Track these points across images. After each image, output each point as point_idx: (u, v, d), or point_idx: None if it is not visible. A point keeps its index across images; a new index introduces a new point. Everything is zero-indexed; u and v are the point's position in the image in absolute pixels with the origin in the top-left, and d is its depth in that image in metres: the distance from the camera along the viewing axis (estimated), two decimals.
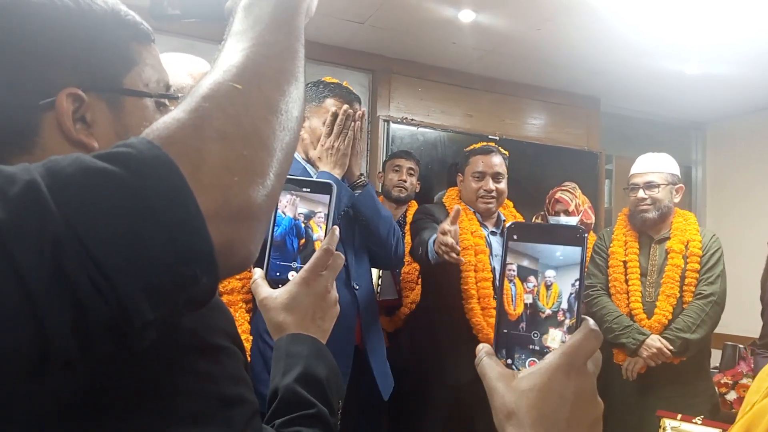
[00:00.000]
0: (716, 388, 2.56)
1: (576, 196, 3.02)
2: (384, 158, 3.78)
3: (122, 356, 0.41)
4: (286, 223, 0.81)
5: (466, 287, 2.31)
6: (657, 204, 2.54)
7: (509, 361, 0.56)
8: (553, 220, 2.99)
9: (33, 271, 0.36)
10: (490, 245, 2.39)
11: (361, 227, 1.89)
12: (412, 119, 4.20)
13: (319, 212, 0.82)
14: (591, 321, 0.53)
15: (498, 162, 2.41)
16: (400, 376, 2.23)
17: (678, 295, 2.48)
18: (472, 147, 2.52)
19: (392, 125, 4.11)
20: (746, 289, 2.55)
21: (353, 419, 1.72)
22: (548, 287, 0.56)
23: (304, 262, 0.80)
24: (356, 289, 1.89)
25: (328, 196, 0.82)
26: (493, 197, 2.38)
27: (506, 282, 0.57)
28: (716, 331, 2.58)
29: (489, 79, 4.45)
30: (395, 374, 2.18)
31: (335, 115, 1.78)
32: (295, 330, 0.76)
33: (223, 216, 0.44)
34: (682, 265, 2.50)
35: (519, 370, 0.55)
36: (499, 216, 2.46)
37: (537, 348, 0.56)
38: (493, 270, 2.33)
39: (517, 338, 0.56)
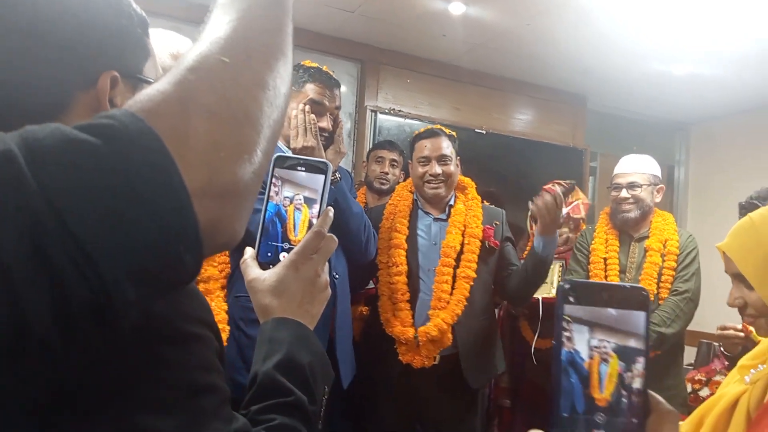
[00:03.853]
0: (690, 384, 2.60)
1: (565, 187, 3.03)
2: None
3: (100, 339, 0.39)
4: (271, 209, 0.79)
5: (378, 285, 2.29)
6: (639, 203, 2.61)
7: None
8: None
9: (10, 249, 0.34)
10: (429, 234, 2.32)
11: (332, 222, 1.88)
12: (400, 110, 4.19)
13: (299, 195, 0.80)
14: (663, 400, 0.51)
15: (444, 145, 2.30)
16: (359, 362, 2.21)
17: (655, 291, 2.55)
18: (416, 133, 2.42)
19: (379, 116, 4.10)
20: (724, 287, 2.59)
21: None
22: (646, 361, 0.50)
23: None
24: (336, 278, 1.89)
25: (323, 176, 0.80)
26: (440, 181, 2.28)
27: (595, 362, 0.50)
28: (693, 328, 2.63)
29: (477, 73, 4.45)
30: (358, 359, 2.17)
31: (296, 117, 1.77)
32: (281, 314, 0.74)
33: (208, 194, 0.42)
34: (660, 263, 2.57)
35: None
36: (447, 201, 2.36)
37: None
38: (410, 258, 2.24)
39: (607, 425, 0.50)
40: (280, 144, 1.90)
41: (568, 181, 2.30)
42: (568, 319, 0.50)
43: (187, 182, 0.41)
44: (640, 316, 0.50)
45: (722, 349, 2.22)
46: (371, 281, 2.67)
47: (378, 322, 2.25)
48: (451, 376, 2.21)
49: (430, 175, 2.28)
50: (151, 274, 0.40)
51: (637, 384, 0.50)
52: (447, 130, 2.38)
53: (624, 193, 2.62)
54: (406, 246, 2.26)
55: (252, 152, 0.46)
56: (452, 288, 2.21)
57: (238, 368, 1.57)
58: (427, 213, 2.35)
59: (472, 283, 2.22)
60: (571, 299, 0.50)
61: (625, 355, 0.50)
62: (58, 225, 0.35)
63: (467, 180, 2.44)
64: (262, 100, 0.48)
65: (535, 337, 2.68)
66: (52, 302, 0.35)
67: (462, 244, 2.25)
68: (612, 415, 0.50)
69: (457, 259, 2.23)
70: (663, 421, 0.50)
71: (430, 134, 2.34)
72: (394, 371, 2.22)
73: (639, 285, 0.55)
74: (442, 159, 2.28)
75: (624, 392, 0.50)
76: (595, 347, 0.50)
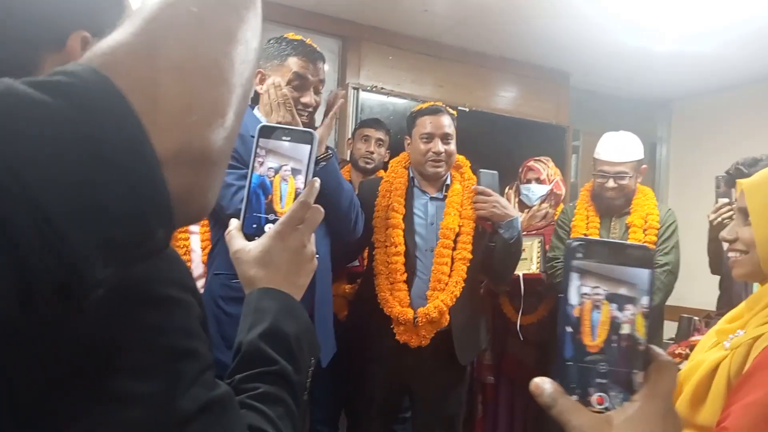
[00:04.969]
0: (671, 358, 2.67)
1: (548, 167, 3.05)
2: (353, 126, 3.75)
3: (65, 314, 0.37)
4: (255, 180, 0.78)
5: (374, 263, 2.28)
6: (624, 190, 2.63)
7: (585, 398, 0.51)
8: (524, 188, 3.02)
9: None
10: (426, 213, 2.31)
11: (322, 200, 1.86)
12: (382, 88, 4.16)
13: (286, 166, 0.79)
14: (662, 352, 0.52)
15: (447, 123, 2.28)
16: (348, 338, 2.24)
17: None
18: (418, 107, 2.37)
19: (362, 93, 4.06)
20: (704, 263, 2.64)
21: None
22: (645, 316, 0.51)
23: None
24: (317, 257, 1.87)
25: (308, 147, 0.79)
26: (442, 160, 2.25)
27: (586, 308, 0.51)
28: (673, 303, 2.67)
29: (460, 50, 4.42)
30: (346, 336, 2.20)
31: (267, 93, 1.71)
32: (267, 285, 0.73)
33: (180, 161, 0.39)
34: (642, 239, 2.58)
35: (605, 411, 0.50)
36: (444, 180, 2.35)
37: (636, 387, 0.51)
38: (407, 238, 2.24)
39: (606, 374, 0.51)
40: (260, 115, 1.87)
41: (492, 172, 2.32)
42: (574, 272, 0.52)
43: (157, 149, 0.37)
44: (643, 272, 0.52)
45: None
46: (356, 259, 2.67)
47: (371, 299, 2.26)
48: (442, 353, 2.23)
49: (433, 152, 2.25)
50: (119, 248, 0.36)
51: (627, 330, 0.51)
52: (448, 109, 2.36)
53: (611, 183, 2.62)
54: (403, 226, 2.26)
55: (225, 114, 0.42)
56: (450, 269, 2.22)
57: (217, 345, 1.56)
58: (423, 192, 2.34)
59: (468, 265, 2.23)
60: (579, 255, 0.52)
61: (620, 303, 0.52)
62: (22, 195, 0.32)
63: (462, 158, 2.42)
64: (234, 56, 0.44)
65: (519, 314, 2.69)
66: (16, 279, 0.32)
67: (459, 226, 2.26)
68: (611, 364, 0.51)
69: (454, 240, 2.25)
70: (661, 371, 0.51)
71: (433, 111, 2.30)
72: (385, 347, 2.23)
73: (644, 244, 0.57)
74: (445, 137, 2.26)
75: (619, 340, 0.51)
76: (586, 294, 0.51)
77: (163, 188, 0.38)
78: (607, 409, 0.51)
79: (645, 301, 0.52)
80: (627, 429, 0.48)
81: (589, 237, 0.66)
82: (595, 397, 0.51)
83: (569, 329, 0.51)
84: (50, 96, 0.35)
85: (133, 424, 0.46)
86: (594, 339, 0.51)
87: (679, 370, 2.67)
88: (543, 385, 0.51)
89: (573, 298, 0.51)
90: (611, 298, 0.51)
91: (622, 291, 0.51)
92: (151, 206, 0.37)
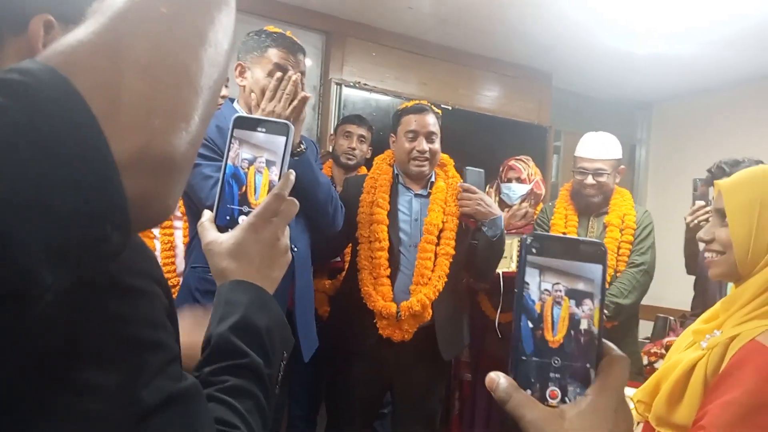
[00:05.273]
0: (646, 356, 2.70)
1: (529, 166, 3.08)
2: (335, 122, 3.73)
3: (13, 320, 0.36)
4: (228, 170, 0.77)
5: (358, 258, 2.29)
6: (603, 188, 2.69)
7: (542, 392, 0.51)
8: (505, 187, 3.04)
9: None
10: (410, 210, 2.33)
11: (298, 194, 1.85)
12: (366, 84, 4.14)
13: (261, 157, 0.77)
14: (614, 347, 0.52)
15: (432, 121, 2.30)
16: (330, 334, 2.28)
17: (614, 265, 2.63)
18: (404, 106, 2.39)
19: (345, 89, 4.04)
20: (681, 264, 2.68)
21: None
22: (600, 311, 0.52)
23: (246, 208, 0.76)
24: (294, 251, 1.86)
25: (284, 138, 0.78)
26: (426, 158, 2.28)
27: (548, 304, 0.51)
28: (650, 303, 2.71)
29: (445, 48, 4.42)
30: (328, 331, 2.23)
31: (279, 80, 1.70)
32: (239, 277, 0.72)
33: (140, 166, 0.38)
34: (619, 238, 2.65)
35: (557, 405, 0.51)
36: (428, 177, 2.37)
37: (592, 382, 0.51)
38: (391, 234, 2.26)
39: (561, 369, 0.51)
40: (239, 108, 1.86)
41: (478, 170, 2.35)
42: (530, 268, 0.52)
43: (115, 153, 0.36)
44: (597, 268, 0.52)
45: None
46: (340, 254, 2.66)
47: (354, 294, 2.27)
48: (425, 348, 2.25)
49: (417, 151, 2.27)
50: (71, 255, 0.35)
51: (585, 325, 0.52)
52: (433, 107, 2.38)
53: (590, 180, 2.68)
54: (387, 221, 2.27)
55: (189, 119, 0.41)
56: (433, 264, 2.24)
57: None
58: (407, 188, 2.36)
59: (451, 260, 2.26)
60: (534, 250, 0.52)
61: (578, 299, 0.52)
62: None
63: (446, 157, 2.44)
64: (203, 58, 0.42)
65: (498, 311, 2.71)
66: None
67: (442, 222, 2.29)
68: (566, 359, 0.51)
69: (437, 236, 2.27)
70: (614, 364, 0.51)
71: (418, 109, 2.32)
72: (368, 342, 2.24)
73: (598, 240, 0.57)
74: (430, 136, 2.28)
75: (577, 336, 0.52)
76: (547, 290, 0.52)
77: (119, 192, 0.36)
78: (563, 402, 0.51)
79: (600, 296, 0.52)
80: (579, 422, 0.49)
81: (543, 233, 0.67)
82: (549, 392, 0.51)
83: (530, 325, 0.51)
84: (1, 95, 0.33)
85: (95, 416, 0.45)
86: (554, 335, 0.51)
87: (653, 368, 2.71)
88: (498, 379, 0.51)
89: (533, 293, 0.51)
90: (570, 293, 0.52)
91: (580, 286, 0.52)
92: (105, 211, 0.36)
